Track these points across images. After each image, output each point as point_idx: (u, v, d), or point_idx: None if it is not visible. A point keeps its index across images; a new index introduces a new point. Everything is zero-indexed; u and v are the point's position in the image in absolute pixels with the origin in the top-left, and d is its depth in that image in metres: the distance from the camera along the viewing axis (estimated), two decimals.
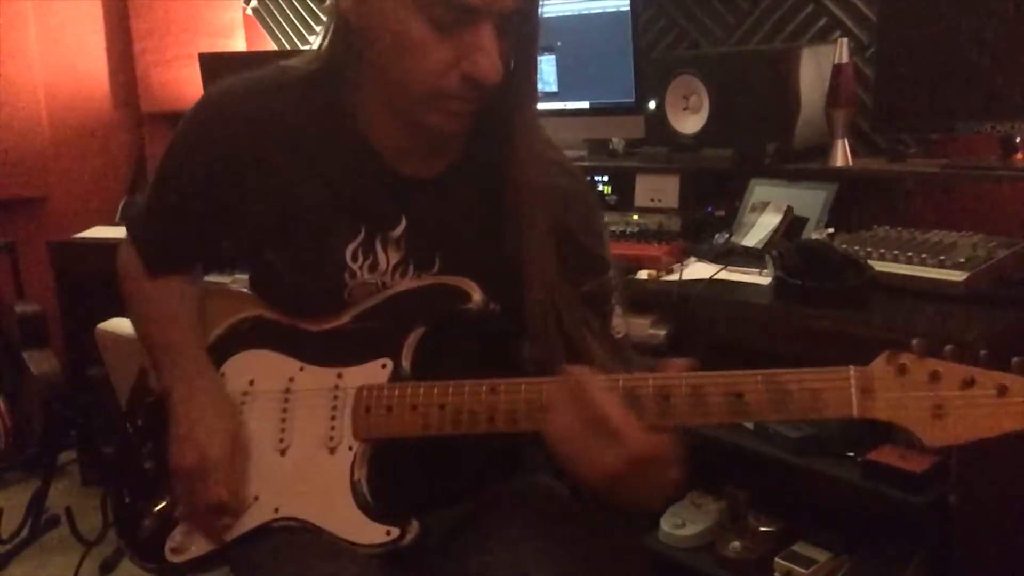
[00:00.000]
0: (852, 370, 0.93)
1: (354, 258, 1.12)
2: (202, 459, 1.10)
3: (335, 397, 1.11)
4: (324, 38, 1.11)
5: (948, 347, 0.91)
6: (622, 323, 1.20)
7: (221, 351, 1.20)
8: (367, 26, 1.02)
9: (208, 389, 1.16)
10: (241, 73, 1.16)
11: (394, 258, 1.13)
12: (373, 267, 1.12)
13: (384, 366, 1.10)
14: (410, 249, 1.13)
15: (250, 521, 1.11)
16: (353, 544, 1.06)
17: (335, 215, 1.12)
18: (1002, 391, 0.87)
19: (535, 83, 1.08)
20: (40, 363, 2.90)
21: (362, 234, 1.12)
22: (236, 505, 1.11)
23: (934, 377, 0.90)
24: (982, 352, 0.89)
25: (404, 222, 1.12)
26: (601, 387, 0.95)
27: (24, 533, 2.65)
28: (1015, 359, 0.88)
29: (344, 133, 1.12)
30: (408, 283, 1.12)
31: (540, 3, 1.03)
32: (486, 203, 1.12)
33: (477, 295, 1.08)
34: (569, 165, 1.20)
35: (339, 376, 1.12)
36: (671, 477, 0.96)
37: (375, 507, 1.07)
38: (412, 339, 1.10)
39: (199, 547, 1.14)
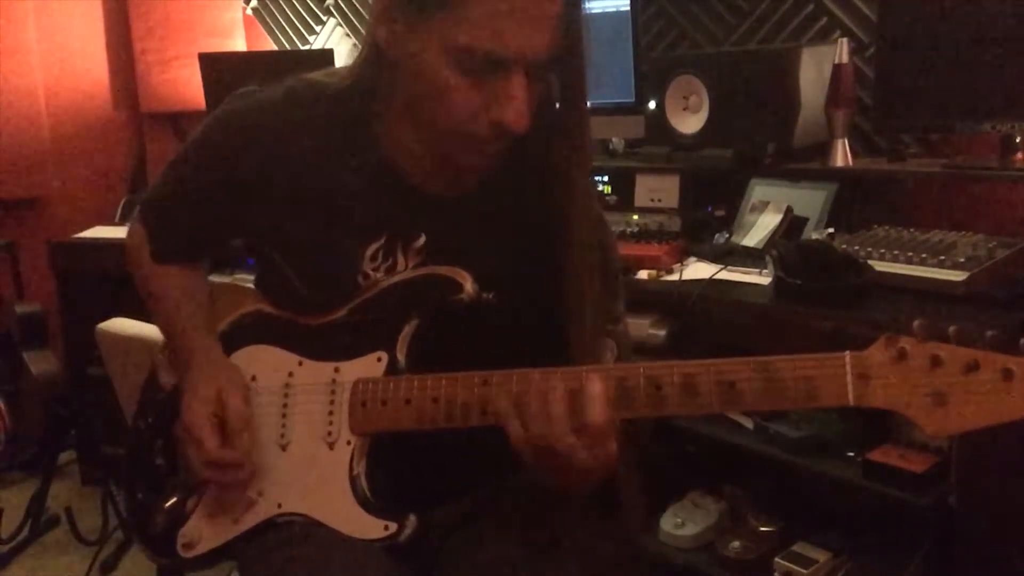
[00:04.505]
0: (848, 356, 0.89)
1: (373, 259, 1.12)
2: (221, 411, 1.10)
3: (332, 392, 1.11)
4: (358, 58, 1.12)
5: (952, 328, 0.85)
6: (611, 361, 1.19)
7: (225, 347, 1.20)
8: (399, 61, 1.03)
9: (223, 359, 1.17)
10: (265, 86, 1.17)
11: (413, 262, 1.13)
12: (391, 268, 1.13)
13: (380, 359, 1.10)
14: (429, 257, 1.13)
15: (254, 517, 1.12)
16: (352, 539, 1.06)
17: (355, 221, 1.12)
18: (1007, 375, 0.81)
19: (586, 125, 1.09)
20: (40, 363, 2.89)
21: (383, 239, 1.13)
22: (249, 467, 1.09)
23: (935, 362, 0.85)
24: (988, 333, 0.83)
25: (424, 237, 1.13)
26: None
27: (24, 533, 2.64)
28: None
29: (367, 151, 1.13)
30: (402, 274, 1.12)
31: (582, 50, 1.03)
32: (511, 222, 1.14)
33: (469, 284, 1.08)
34: (601, 212, 1.21)
35: (336, 370, 1.12)
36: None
37: (373, 502, 1.07)
38: (407, 331, 1.10)
39: (209, 542, 1.14)
